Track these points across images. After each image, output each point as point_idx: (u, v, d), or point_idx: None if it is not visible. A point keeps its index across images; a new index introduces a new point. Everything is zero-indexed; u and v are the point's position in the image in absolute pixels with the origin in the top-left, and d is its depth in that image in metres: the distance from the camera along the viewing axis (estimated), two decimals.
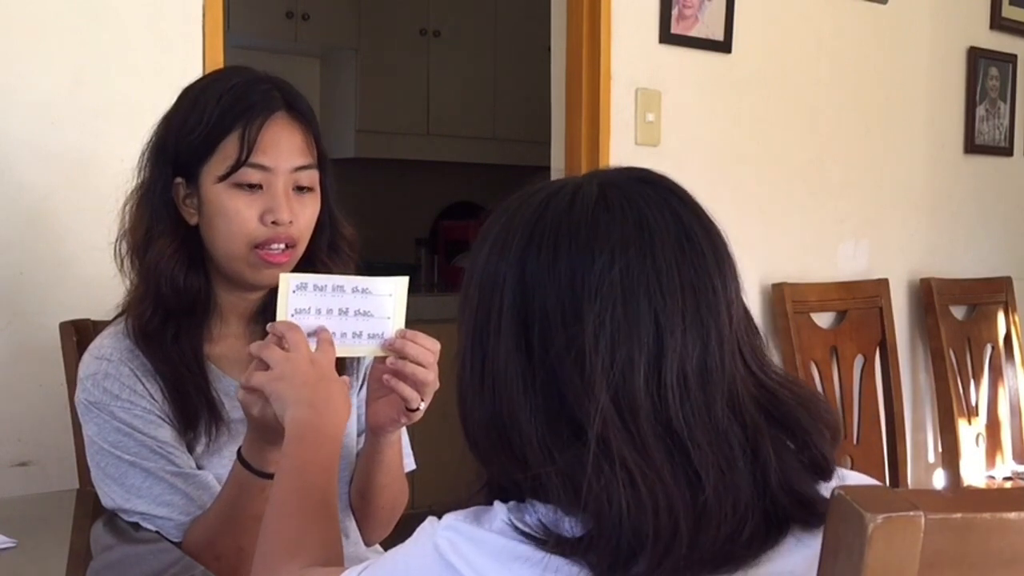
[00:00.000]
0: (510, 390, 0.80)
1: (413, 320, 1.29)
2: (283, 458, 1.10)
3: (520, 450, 0.79)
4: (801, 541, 0.79)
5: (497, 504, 0.80)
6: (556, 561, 0.76)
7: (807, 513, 0.79)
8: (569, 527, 0.77)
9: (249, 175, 1.30)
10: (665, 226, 0.80)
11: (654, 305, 0.78)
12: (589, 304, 0.77)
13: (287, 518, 1.03)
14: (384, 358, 1.26)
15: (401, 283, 1.26)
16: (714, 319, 0.80)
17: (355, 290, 1.24)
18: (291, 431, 1.10)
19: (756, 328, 0.85)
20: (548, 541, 0.76)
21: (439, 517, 0.82)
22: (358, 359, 1.44)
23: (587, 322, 0.77)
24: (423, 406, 1.28)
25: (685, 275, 0.79)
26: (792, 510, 0.79)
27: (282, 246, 1.32)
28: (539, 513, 0.78)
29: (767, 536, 0.78)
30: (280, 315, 1.21)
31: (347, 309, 1.23)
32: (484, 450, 0.83)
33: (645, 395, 0.77)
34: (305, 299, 1.22)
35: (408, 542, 0.84)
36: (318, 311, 1.22)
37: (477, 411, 0.82)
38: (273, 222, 1.31)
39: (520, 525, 0.77)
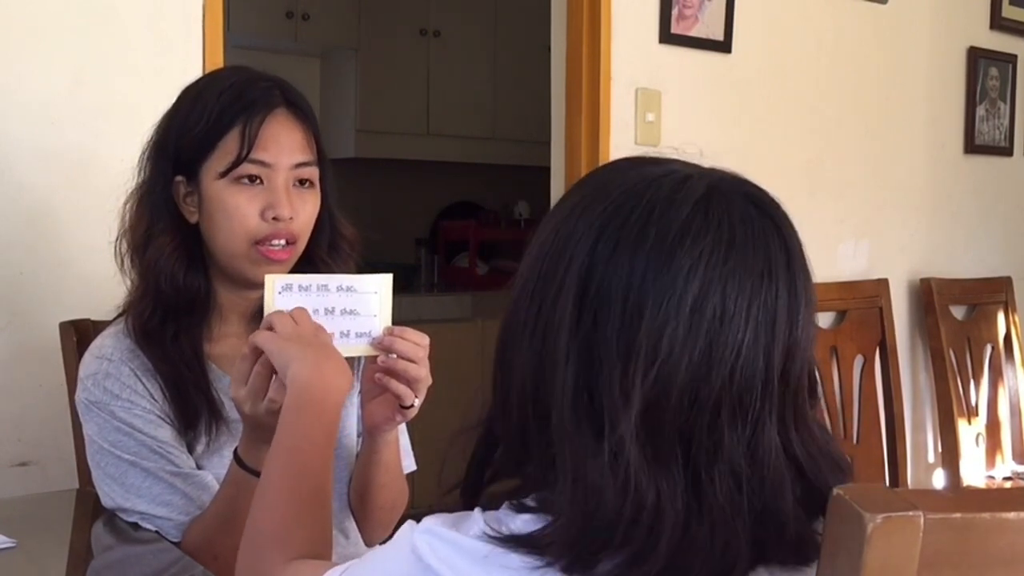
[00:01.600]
0: (558, 346, 0.78)
1: (413, 320, 1.29)
2: (280, 431, 1.07)
3: (545, 406, 0.78)
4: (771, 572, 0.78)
5: (476, 512, 0.80)
6: (532, 569, 0.76)
7: (790, 554, 0.78)
8: (544, 525, 0.77)
9: (249, 171, 1.31)
10: (753, 255, 0.78)
11: (713, 330, 0.76)
12: (655, 304, 0.76)
13: (278, 505, 1.01)
14: (375, 357, 1.26)
15: (385, 280, 1.26)
16: (766, 362, 0.77)
17: (340, 288, 1.24)
18: (292, 393, 1.08)
19: (816, 388, 0.83)
20: (522, 545, 0.76)
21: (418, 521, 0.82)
22: (356, 361, 1.44)
23: (646, 320, 0.76)
24: (417, 403, 1.28)
25: (752, 310, 0.77)
26: (776, 549, 0.78)
27: (282, 242, 1.32)
28: (515, 525, 0.78)
29: (744, 565, 0.76)
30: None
31: (333, 308, 1.24)
32: (511, 398, 0.82)
33: (676, 413, 0.76)
34: (291, 300, 1.22)
35: (387, 544, 0.84)
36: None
37: (522, 354, 0.81)
38: (274, 218, 1.31)
39: (496, 534, 0.77)
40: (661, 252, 0.77)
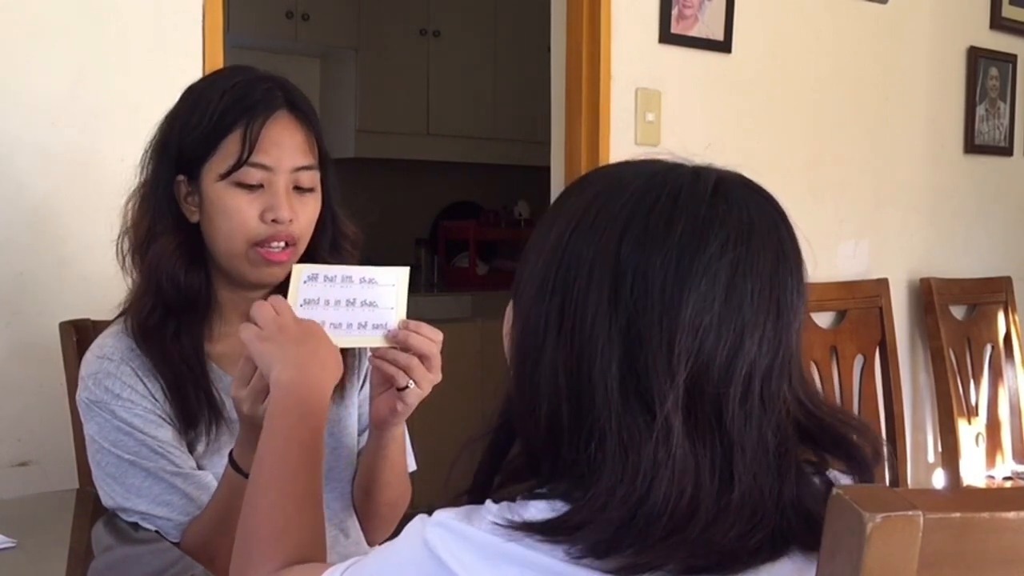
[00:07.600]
0: (595, 334, 0.80)
1: (412, 319, 1.29)
2: (265, 435, 1.07)
3: (589, 397, 0.79)
4: (795, 563, 0.80)
5: (488, 503, 0.81)
6: (543, 559, 0.76)
7: (812, 535, 0.79)
8: (559, 510, 0.78)
9: (250, 174, 1.31)
10: (768, 237, 0.82)
11: (745, 306, 0.80)
12: (695, 283, 0.79)
13: (267, 510, 1.01)
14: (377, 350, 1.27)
15: (402, 273, 1.28)
16: (784, 338, 0.82)
17: (362, 280, 1.27)
18: (275, 396, 1.09)
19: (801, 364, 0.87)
20: (540, 531, 0.77)
21: (430, 514, 0.82)
22: (359, 359, 1.44)
23: (688, 300, 0.78)
24: (412, 385, 1.27)
25: (774, 288, 0.81)
26: (798, 529, 0.80)
27: (282, 244, 1.33)
28: (529, 513, 0.79)
29: (772, 548, 0.79)
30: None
31: (354, 300, 1.26)
32: (540, 390, 0.82)
33: (714, 387, 0.79)
34: (315, 290, 1.25)
35: (397, 539, 0.84)
36: (327, 302, 1.24)
37: (548, 348, 0.82)
38: (273, 220, 1.31)
39: (507, 524, 0.78)
40: (693, 238, 0.80)
